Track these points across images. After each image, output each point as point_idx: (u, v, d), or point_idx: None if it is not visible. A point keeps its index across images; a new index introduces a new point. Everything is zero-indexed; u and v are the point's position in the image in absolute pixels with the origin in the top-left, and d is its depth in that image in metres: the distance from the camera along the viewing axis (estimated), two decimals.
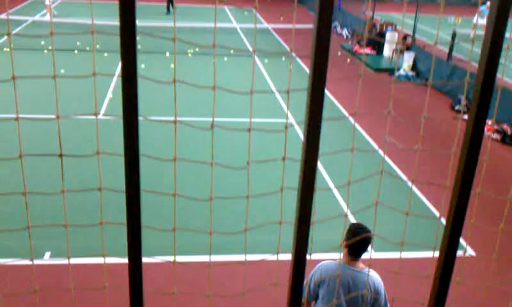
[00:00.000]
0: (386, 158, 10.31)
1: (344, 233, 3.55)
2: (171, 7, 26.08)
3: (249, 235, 6.86)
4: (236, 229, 6.89)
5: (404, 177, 9.56)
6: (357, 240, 3.87)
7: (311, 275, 4.15)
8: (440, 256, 1.90)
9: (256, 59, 18.42)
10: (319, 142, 1.61)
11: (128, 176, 1.63)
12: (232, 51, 17.93)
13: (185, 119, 10.65)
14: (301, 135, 11.38)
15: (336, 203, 8.31)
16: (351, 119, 12.22)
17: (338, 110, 13.28)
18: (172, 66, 16.03)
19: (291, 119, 12.16)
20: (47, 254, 6.95)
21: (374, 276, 4.04)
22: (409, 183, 9.23)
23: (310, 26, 22.18)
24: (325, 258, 4.35)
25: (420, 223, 7.73)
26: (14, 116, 11.23)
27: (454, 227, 1.84)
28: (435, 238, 3.24)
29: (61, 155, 1.99)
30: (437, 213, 8.53)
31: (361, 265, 4.05)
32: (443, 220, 6.85)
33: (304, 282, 4.09)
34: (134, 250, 1.75)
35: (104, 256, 2.26)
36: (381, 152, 9.88)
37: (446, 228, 1.87)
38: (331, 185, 8.77)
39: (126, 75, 1.53)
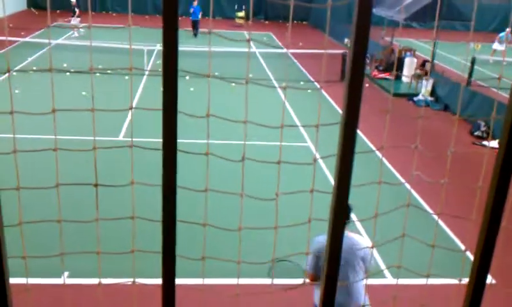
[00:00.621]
0: (410, 189, 10.29)
1: (369, 264, 3.58)
2: (195, 31, 27.59)
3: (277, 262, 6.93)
4: (264, 258, 6.96)
5: (429, 209, 9.53)
6: None
7: (311, 249, 4.99)
8: (468, 289, 1.92)
9: (275, 83, 18.55)
10: (351, 177, 1.65)
11: (165, 207, 1.69)
12: (250, 75, 18.07)
13: (212, 142, 10.73)
14: (318, 157, 11.47)
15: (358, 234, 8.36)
16: (377, 151, 12.22)
17: (361, 140, 13.29)
18: (192, 89, 16.19)
19: (307, 139, 12.18)
20: (62, 274, 7.07)
21: (356, 237, 5.05)
22: (435, 217, 9.20)
23: (320, 51, 22.25)
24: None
25: (444, 253, 7.70)
26: (45, 137, 11.43)
27: (482, 261, 1.86)
28: (460, 270, 3.24)
29: (96, 185, 2.05)
30: (460, 243, 8.51)
31: (347, 231, 4.53)
32: (469, 253, 6.81)
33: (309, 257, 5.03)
34: (168, 278, 1.79)
35: (133, 279, 2.31)
36: (407, 185, 9.86)
37: (474, 262, 1.88)
38: (353, 217, 8.80)
39: (167, 108, 1.59)
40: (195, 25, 27.63)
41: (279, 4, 35.84)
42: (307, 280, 5.25)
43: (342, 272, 4.46)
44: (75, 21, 26.00)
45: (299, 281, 6.06)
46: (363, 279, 4.90)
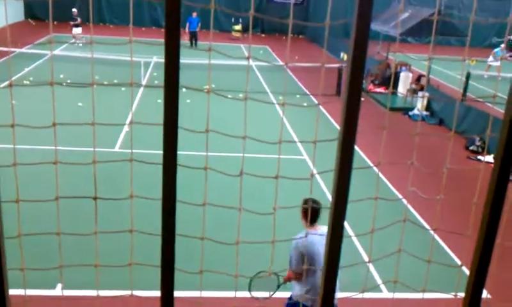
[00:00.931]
0: (406, 204, 10.31)
1: (365, 279, 3.61)
2: (193, 42, 27.94)
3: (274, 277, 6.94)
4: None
5: (425, 224, 9.55)
6: (313, 212, 5.42)
7: (293, 249, 5.55)
8: (463, 303, 1.94)
9: (271, 96, 18.61)
10: (349, 193, 1.68)
11: (165, 220, 1.70)
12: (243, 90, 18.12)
13: (210, 155, 10.77)
14: (309, 163, 11.49)
15: (355, 249, 8.39)
16: (374, 168, 12.25)
17: (357, 154, 13.31)
18: (188, 101, 16.23)
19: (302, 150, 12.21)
20: (59, 285, 7.07)
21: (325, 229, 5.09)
22: (431, 232, 9.22)
23: (317, 64, 22.35)
24: (344, 296, 4.37)
25: (440, 268, 7.72)
26: (45, 147, 11.42)
27: (478, 276, 1.88)
28: (456, 285, 3.26)
29: (95, 198, 2.07)
30: (456, 258, 8.53)
31: (317, 227, 5.55)
32: (464, 268, 6.82)
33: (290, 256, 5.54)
34: (167, 290, 1.80)
35: (131, 292, 2.32)
36: (404, 201, 9.90)
37: (470, 277, 1.91)
38: (350, 232, 8.82)
39: (168, 123, 1.61)
40: (194, 36, 27.97)
41: (275, 18, 36.02)
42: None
43: (320, 264, 5.22)
44: (77, 31, 26.85)
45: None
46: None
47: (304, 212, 5.57)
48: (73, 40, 26.87)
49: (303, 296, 5.56)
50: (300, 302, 5.60)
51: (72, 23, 27.06)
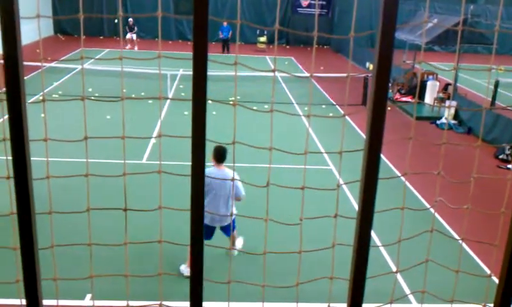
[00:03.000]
0: (434, 213, 10.20)
1: (393, 289, 3.59)
2: (226, 48, 30.44)
3: (301, 286, 6.93)
4: (289, 282, 6.99)
5: (453, 233, 9.44)
6: (217, 154, 7.61)
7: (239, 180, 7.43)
8: None
9: (297, 107, 18.63)
10: (375, 202, 1.69)
11: (193, 231, 1.73)
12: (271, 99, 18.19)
13: (236, 166, 10.84)
14: (335, 172, 11.44)
15: (382, 259, 8.32)
16: (402, 177, 12.15)
17: (384, 164, 13.22)
18: (214, 113, 16.32)
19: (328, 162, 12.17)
20: (88, 296, 7.16)
21: (230, 171, 7.75)
22: (460, 241, 9.11)
23: (343, 75, 22.36)
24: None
25: (469, 278, 7.62)
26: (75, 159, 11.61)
27: (507, 285, 1.87)
28: (485, 295, 3.22)
29: (125, 210, 2.11)
30: (485, 267, 8.39)
31: (222, 167, 7.73)
32: (494, 277, 6.70)
33: None
34: (196, 301, 1.83)
35: (160, 302, 2.35)
36: (432, 210, 9.79)
37: (499, 286, 1.89)
38: (378, 242, 8.76)
39: (195, 144, 1.64)
40: (226, 44, 30.20)
41: (300, 29, 36.06)
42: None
43: (217, 196, 7.59)
44: (132, 36, 30.44)
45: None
46: (232, 199, 7.69)
47: (214, 155, 7.66)
48: (128, 46, 30.43)
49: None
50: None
51: (129, 31, 30.64)
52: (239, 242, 8.60)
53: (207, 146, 1.68)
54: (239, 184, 7.76)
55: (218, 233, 7.88)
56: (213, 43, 31.34)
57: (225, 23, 30.13)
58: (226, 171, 7.73)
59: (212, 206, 7.59)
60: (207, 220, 7.49)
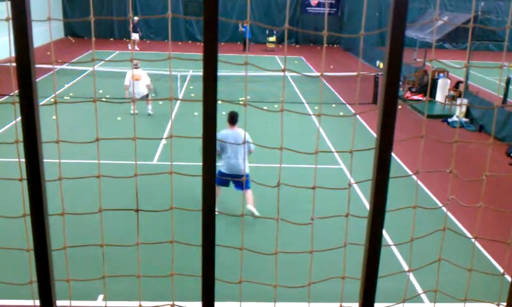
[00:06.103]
0: (446, 212, 10.15)
1: (406, 288, 3.58)
2: (246, 46, 32.10)
3: (313, 286, 6.92)
4: (301, 282, 6.99)
5: (466, 231, 9.38)
6: (230, 117, 9.41)
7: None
8: None
9: (307, 106, 18.60)
10: (386, 201, 1.68)
11: (205, 231, 1.74)
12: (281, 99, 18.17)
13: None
14: (346, 172, 11.42)
15: (395, 258, 8.29)
16: (413, 176, 12.10)
17: (395, 162, 13.16)
18: (223, 113, 16.33)
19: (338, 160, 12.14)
20: (100, 296, 7.20)
21: (243, 131, 9.33)
22: (473, 240, 9.05)
23: (353, 73, 22.33)
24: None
25: (482, 277, 7.58)
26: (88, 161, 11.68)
27: None
28: (498, 294, 3.20)
29: (137, 211, 2.12)
30: (496, 264, 8.34)
31: (235, 127, 9.41)
32: (507, 276, 6.68)
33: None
34: (208, 301, 1.84)
35: (173, 303, 2.36)
36: (444, 209, 9.73)
37: (511, 285, 1.88)
38: (390, 241, 8.72)
39: (207, 135, 1.65)
40: (246, 42, 31.47)
41: (310, 28, 36.02)
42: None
43: (233, 151, 9.12)
44: (136, 37, 30.36)
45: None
46: (246, 157, 9.41)
47: (228, 118, 9.40)
48: (137, 48, 30.87)
49: (219, 166, 9.31)
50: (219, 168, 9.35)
51: (133, 31, 30.57)
52: (252, 203, 9.29)
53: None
54: (250, 140, 9.52)
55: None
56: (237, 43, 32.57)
57: (245, 23, 30.51)
58: (238, 130, 9.41)
59: (229, 159, 9.20)
60: (224, 169, 9.21)
